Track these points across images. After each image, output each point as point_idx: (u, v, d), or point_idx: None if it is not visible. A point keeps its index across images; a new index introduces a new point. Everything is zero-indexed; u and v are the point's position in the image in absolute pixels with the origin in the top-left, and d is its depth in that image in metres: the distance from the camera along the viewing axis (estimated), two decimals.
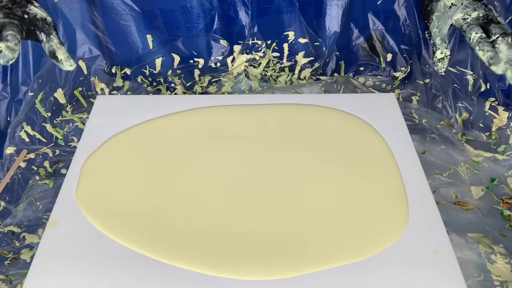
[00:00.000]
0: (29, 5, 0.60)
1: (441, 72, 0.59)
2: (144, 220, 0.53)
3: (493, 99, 0.81)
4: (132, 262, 0.49)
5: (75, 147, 0.72)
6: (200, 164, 0.60)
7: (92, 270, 0.48)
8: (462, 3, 0.59)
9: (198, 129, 0.65)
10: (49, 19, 0.61)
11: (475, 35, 0.55)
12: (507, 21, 0.77)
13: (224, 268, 0.49)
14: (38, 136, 0.80)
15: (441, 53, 0.59)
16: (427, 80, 0.88)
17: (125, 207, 0.55)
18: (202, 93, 0.93)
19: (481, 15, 0.57)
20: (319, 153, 0.61)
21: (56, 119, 0.82)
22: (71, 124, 0.83)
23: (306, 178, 0.58)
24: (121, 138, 0.64)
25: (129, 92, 0.88)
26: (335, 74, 0.95)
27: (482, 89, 0.82)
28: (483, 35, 0.55)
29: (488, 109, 0.81)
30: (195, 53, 0.89)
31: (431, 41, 0.60)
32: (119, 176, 0.58)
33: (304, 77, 0.95)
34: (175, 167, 0.59)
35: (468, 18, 0.58)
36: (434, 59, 0.59)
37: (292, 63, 0.93)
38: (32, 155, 0.79)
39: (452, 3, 0.60)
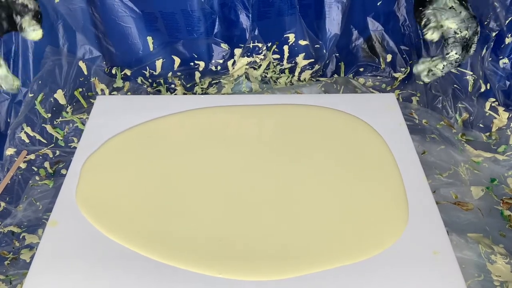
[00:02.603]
0: None
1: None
2: (144, 220, 0.53)
3: (493, 99, 0.81)
4: (132, 262, 0.49)
5: (75, 148, 0.72)
6: (199, 165, 0.60)
7: (92, 270, 0.48)
8: (460, 12, 0.63)
9: (198, 130, 0.65)
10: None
11: (454, 54, 0.64)
12: (507, 22, 0.77)
13: (224, 269, 0.48)
14: (38, 137, 0.80)
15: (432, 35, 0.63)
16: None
17: (124, 208, 0.55)
18: (202, 94, 0.93)
19: (467, 36, 0.64)
20: (319, 153, 0.61)
21: (56, 120, 0.82)
22: (71, 124, 0.83)
23: (306, 178, 0.58)
24: (121, 138, 0.64)
25: (129, 93, 0.88)
26: (335, 75, 0.95)
27: (482, 90, 0.82)
28: (459, 58, 0.65)
29: (489, 109, 0.81)
30: (196, 56, 0.89)
31: (424, 19, 0.64)
32: (119, 177, 0.58)
33: (304, 79, 0.95)
34: (175, 167, 0.59)
35: (458, 34, 0.63)
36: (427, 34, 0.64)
37: (292, 65, 0.93)
38: (32, 156, 0.79)
39: (452, 6, 0.63)
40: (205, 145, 0.62)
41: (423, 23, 0.65)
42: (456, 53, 0.63)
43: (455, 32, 0.63)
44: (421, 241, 0.51)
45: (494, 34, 0.77)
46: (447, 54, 0.63)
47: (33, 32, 0.62)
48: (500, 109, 0.80)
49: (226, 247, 0.50)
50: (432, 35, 0.64)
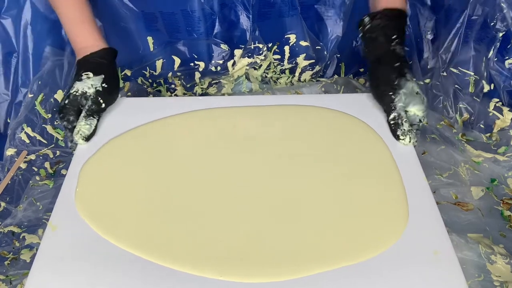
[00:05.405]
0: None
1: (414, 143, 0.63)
2: (144, 223, 0.53)
3: (497, 99, 0.81)
4: (132, 265, 0.49)
5: None
6: (200, 166, 0.60)
7: (92, 274, 0.48)
8: (423, 99, 0.64)
9: (198, 131, 0.65)
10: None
11: (414, 142, 0.62)
12: None
13: (224, 271, 0.48)
14: (38, 137, 0.81)
15: (409, 141, 0.62)
16: (427, 81, 0.88)
17: (124, 210, 0.54)
18: (202, 95, 0.93)
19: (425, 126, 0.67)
20: (319, 155, 0.61)
21: (57, 120, 0.82)
22: None
23: (305, 179, 0.58)
24: (120, 140, 0.63)
25: (129, 94, 0.88)
26: (335, 76, 0.95)
27: (485, 90, 0.82)
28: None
29: (493, 109, 0.81)
30: (196, 56, 0.89)
31: (396, 113, 0.63)
32: (118, 179, 0.58)
33: (305, 80, 0.95)
34: (175, 169, 0.59)
35: (421, 123, 0.64)
36: (402, 141, 0.62)
37: (293, 65, 0.93)
38: (32, 156, 0.79)
39: (417, 92, 0.64)
40: (204, 147, 0.62)
41: (391, 117, 0.63)
42: (416, 141, 0.62)
43: (420, 120, 0.64)
44: (422, 241, 0.50)
45: (500, 34, 0.77)
46: (406, 140, 0.62)
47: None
48: (505, 109, 0.80)
49: (226, 249, 0.50)
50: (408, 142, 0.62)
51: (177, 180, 0.58)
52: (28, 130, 0.80)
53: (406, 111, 0.63)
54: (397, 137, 0.62)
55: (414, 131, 0.63)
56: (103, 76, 0.65)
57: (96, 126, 0.64)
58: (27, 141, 0.80)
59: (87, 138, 0.62)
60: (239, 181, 0.58)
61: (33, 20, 0.78)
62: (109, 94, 0.65)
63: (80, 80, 0.64)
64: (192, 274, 0.48)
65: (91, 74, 0.64)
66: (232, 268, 0.49)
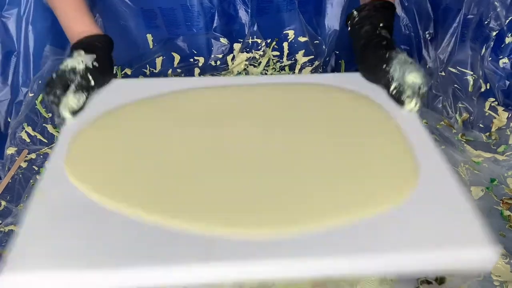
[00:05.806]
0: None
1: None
2: (137, 183, 0.50)
3: (493, 99, 0.81)
4: (125, 226, 0.47)
5: None
6: (200, 138, 0.58)
7: (82, 235, 0.45)
8: (419, 67, 0.62)
9: (198, 105, 0.63)
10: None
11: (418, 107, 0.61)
12: (507, 21, 0.77)
13: (224, 227, 0.47)
14: (39, 136, 0.81)
15: (415, 105, 0.61)
16: None
17: (115, 173, 0.50)
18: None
19: (425, 94, 0.63)
20: (323, 123, 0.59)
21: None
22: None
23: (310, 145, 0.56)
24: (112, 114, 0.61)
25: None
26: (335, 73, 0.95)
27: (482, 90, 0.82)
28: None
29: (488, 109, 0.82)
30: (195, 52, 0.89)
31: (396, 82, 0.62)
32: (109, 145, 0.54)
33: None
34: (170, 138, 0.56)
35: (422, 90, 0.62)
36: (408, 106, 0.61)
37: (292, 62, 0.93)
38: (33, 155, 0.79)
39: (410, 61, 0.62)
40: (207, 119, 0.60)
41: (393, 87, 0.62)
42: (416, 104, 0.61)
43: (419, 88, 0.62)
44: (434, 194, 0.48)
45: (494, 33, 0.78)
46: (412, 103, 0.61)
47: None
48: (500, 109, 0.80)
49: (230, 204, 0.49)
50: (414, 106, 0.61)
51: (172, 145, 0.55)
52: (29, 129, 0.80)
53: (404, 81, 0.63)
54: (402, 103, 0.61)
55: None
56: (94, 56, 0.63)
57: (84, 103, 0.60)
58: (28, 140, 0.80)
59: (74, 113, 0.59)
60: (242, 148, 0.55)
61: (34, 19, 0.77)
62: (99, 74, 0.63)
63: (71, 57, 0.62)
64: (188, 232, 0.46)
65: (82, 52, 0.63)
66: (238, 223, 0.47)
